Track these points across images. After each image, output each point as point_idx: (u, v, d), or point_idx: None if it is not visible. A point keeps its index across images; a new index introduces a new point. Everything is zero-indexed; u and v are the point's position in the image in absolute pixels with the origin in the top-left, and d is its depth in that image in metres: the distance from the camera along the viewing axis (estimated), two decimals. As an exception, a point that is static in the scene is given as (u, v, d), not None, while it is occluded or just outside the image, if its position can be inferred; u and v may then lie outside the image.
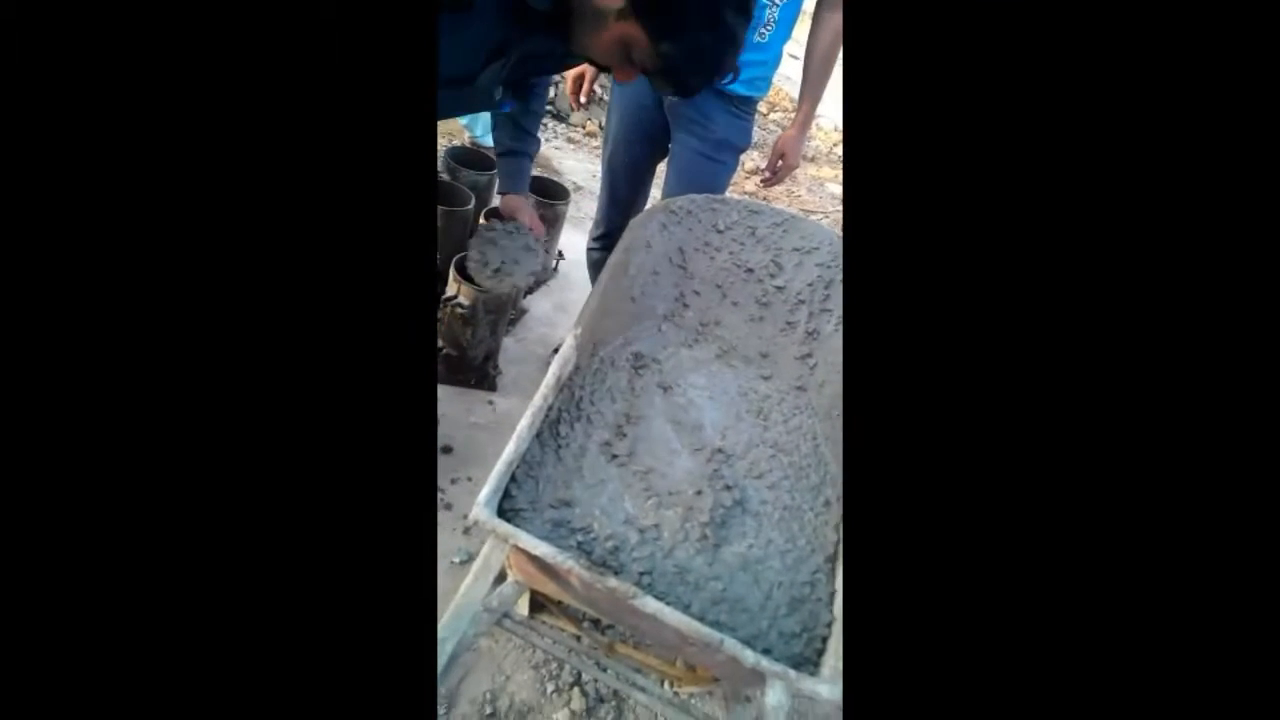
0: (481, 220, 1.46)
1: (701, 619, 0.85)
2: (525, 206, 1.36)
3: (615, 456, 1.11)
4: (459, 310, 1.68)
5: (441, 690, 1.15)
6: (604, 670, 1.14)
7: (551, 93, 3.76)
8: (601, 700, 1.23)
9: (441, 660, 0.80)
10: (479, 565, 0.89)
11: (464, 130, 2.95)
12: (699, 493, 1.04)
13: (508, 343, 2.01)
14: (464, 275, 1.66)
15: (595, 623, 1.24)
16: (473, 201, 2.01)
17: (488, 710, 1.16)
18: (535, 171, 3.02)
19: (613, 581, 0.81)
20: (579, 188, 3.14)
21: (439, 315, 1.74)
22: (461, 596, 0.86)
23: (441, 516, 1.47)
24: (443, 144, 2.95)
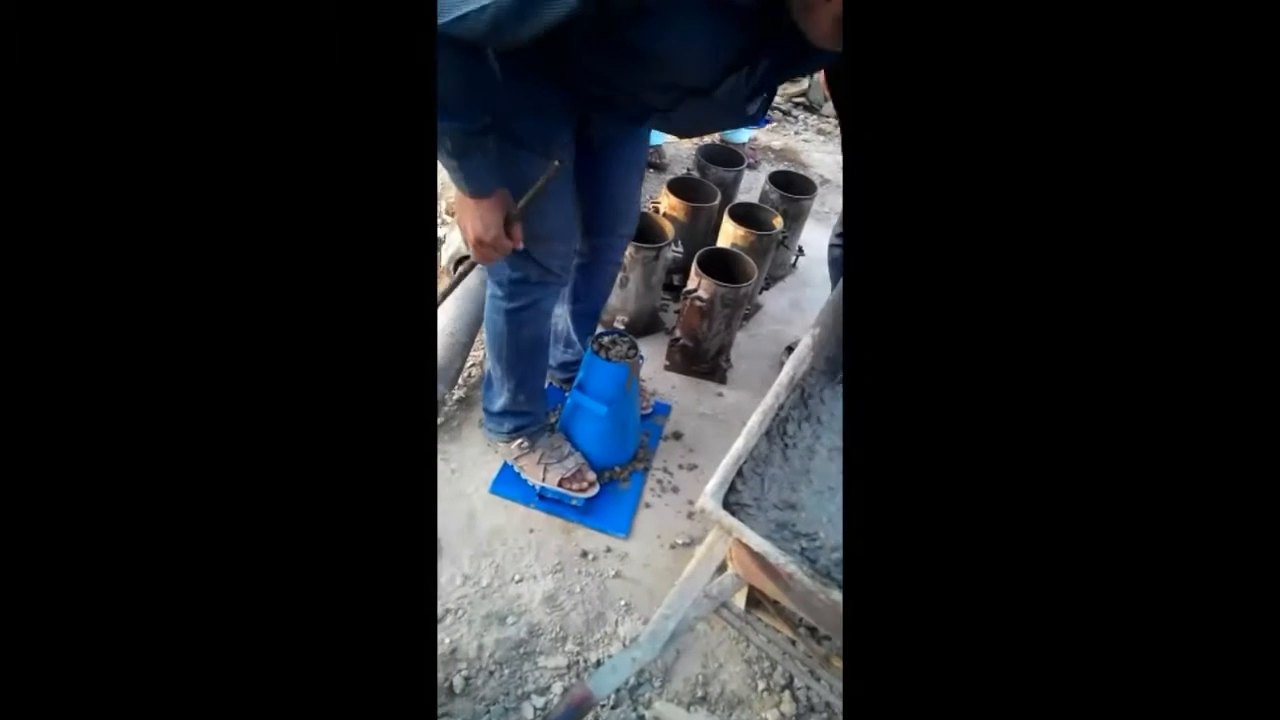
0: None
1: (933, 653, 0.78)
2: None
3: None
4: (698, 303, 1.74)
5: (658, 664, 1.22)
6: (818, 680, 1.11)
7: (805, 83, 3.67)
8: (813, 709, 1.20)
9: (663, 636, 0.85)
10: (703, 552, 0.92)
11: (713, 127, 3.03)
12: (939, 515, 0.96)
13: (741, 337, 2.03)
14: (705, 270, 1.71)
15: (812, 631, 1.21)
16: (719, 197, 2.06)
17: (699, 693, 1.20)
18: (780, 166, 2.99)
19: (836, 595, 0.78)
20: (826, 181, 3.04)
21: (679, 306, 1.82)
22: (685, 579, 0.90)
23: (668, 498, 1.55)
24: (694, 142, 3.06)
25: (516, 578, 1.34)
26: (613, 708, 1.16)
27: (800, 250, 2.33)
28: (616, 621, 1.30)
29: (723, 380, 1.91)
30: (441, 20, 0.75)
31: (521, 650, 1.23)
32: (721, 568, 0.98)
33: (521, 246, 1.08)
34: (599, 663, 1.23)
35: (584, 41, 0.78)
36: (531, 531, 1.43)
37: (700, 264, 1.74)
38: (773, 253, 2.02)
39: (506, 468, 1.52)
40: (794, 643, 1.17)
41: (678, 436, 1.72)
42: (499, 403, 1.43)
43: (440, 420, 1.61)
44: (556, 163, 1.00)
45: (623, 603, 1.33)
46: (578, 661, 1.23)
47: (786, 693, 1.22)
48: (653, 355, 1.91)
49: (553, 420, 1.61)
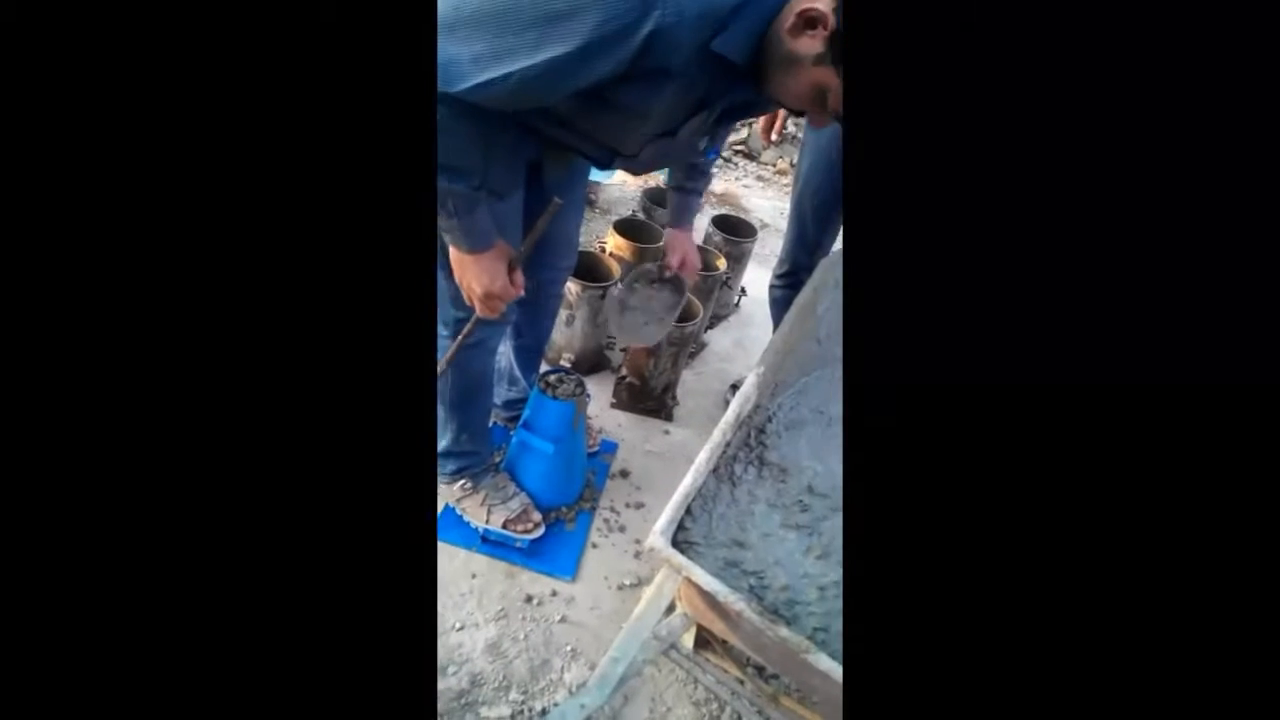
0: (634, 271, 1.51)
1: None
2: (687, 242, 1.42)
3: (793, 505, 1.08)
4: (644, 342, 1.76)
5: (606, 710, 1.19)
6: (767, 719, 1.10)
7: (744, 132, 3.82)
8: (761, 752, 1.19)
9: (612, 680, 0.83)
10: (652, 593, 0.91)
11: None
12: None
13: (686, 375, 2.05)
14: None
15: (760, 670, 1.21)
16: (664, 238, 2.10)
17: (647, 738, 1.18)
18: (722, 210, 3.09)
19: (785, 632, 0.78)
20: (765, 225, 3.15)
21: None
22: (634, 621, 0.89)
23: (615, 539, 1.53)
24: (640, 184, 3.13)
25: (457, 625, 1.29)
26: (558, 759, 1.12)
27: (743, 290, 2.39)
28: (562, 668, 1.26)
29: (669, 418, 1.92)
30: (457, 87, 0.76)
31: (463, 701, 1.17)
32: (670, 608, 0.97)
33: (523, 292, 1.09)
34: (544, 711, 1.19)
35: (566, 98, 0.80)
36: (474, 576, 1.38)
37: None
38: (717, 293, 2.07)
39: (448, 510, 1.47)
40: (742, 683, 1.16)
41: (625, 475, 1.71)
42: (442, 443, 1.40)
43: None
44: (556, 200, 1.02)
45: (569, 648, 1.29)
46: (522, 711, 1.18)
47: (735, 735, 1.20)
48: (599, 393, 1.91)
49: (497, 460, 1.57)
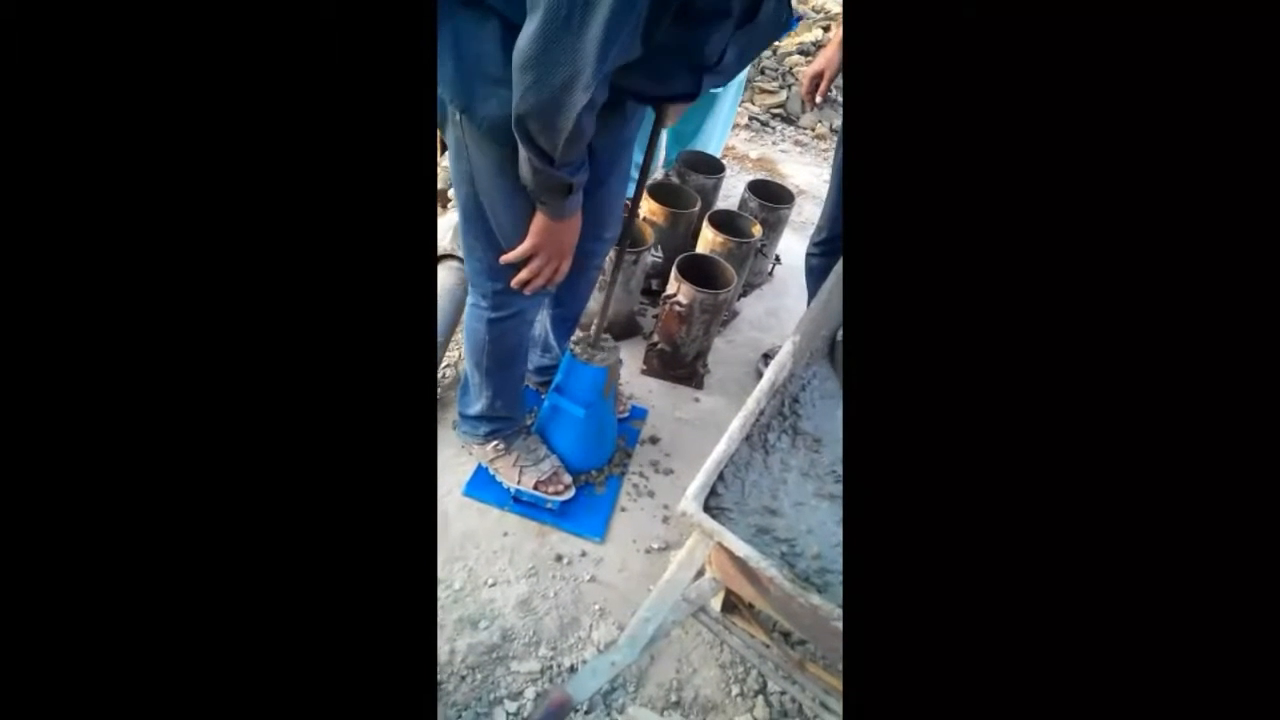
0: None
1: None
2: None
3: (830, 474, 1.08)
4: (677, 308, 1.74)
5: (632, 669, 1.21)
6: (793, 684, 1.11)
7: (784, 95, 3.72)
8: (786, 715, 1.21)
9: (642, 640, 0.85)
10: (683, 556, 0.92)
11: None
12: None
13: (718, 343, 2.04)
14: (685, 275, 1.72)
15: (786, 635, 1.22)
16: (698, 204, 2.07)
17: (673, 698, 1.20)
18: (759, 175, 3.02)
19: (816, 599, 0.78)
20: (802, 192, 3.08)
21: (658, 311, 1.82)
22: (665, 582, 0.90)
23: (644, 503, 1.55)
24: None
25: (490, 582, 1.32)
26: (586, 713, 1.15)
27: (777, 259, 2.35)
28: (591, 626, 1.29)
29: (700, 385, 1.91)
30: (603, 71, 0.77)
31: (494, 655, 1.21)
32: (700, 572, 0.97)
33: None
34: (573, 668, 1.22)
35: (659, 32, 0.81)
36: (505, 535, 1.41)
37: (680, 269, 1.74)
38: (751, 260, 2.04)
39: (481, 470, 1.50)
40: (768, 646, 1.18)
41: (654, 441, 1.71)
42: (475, 407, 1.42)
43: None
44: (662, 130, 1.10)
45: (597, 607, 1.32)
46: (551, 666, 1.21)
47: (760, 698, 1.22)
48: (630, 360, 1.91)
49: (529, 423, 1.59)
